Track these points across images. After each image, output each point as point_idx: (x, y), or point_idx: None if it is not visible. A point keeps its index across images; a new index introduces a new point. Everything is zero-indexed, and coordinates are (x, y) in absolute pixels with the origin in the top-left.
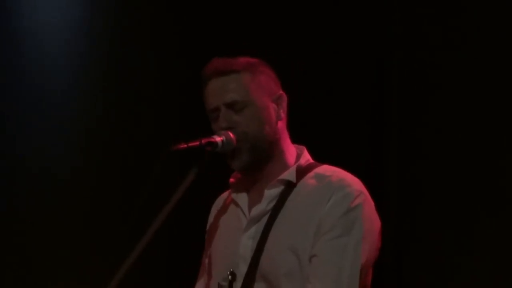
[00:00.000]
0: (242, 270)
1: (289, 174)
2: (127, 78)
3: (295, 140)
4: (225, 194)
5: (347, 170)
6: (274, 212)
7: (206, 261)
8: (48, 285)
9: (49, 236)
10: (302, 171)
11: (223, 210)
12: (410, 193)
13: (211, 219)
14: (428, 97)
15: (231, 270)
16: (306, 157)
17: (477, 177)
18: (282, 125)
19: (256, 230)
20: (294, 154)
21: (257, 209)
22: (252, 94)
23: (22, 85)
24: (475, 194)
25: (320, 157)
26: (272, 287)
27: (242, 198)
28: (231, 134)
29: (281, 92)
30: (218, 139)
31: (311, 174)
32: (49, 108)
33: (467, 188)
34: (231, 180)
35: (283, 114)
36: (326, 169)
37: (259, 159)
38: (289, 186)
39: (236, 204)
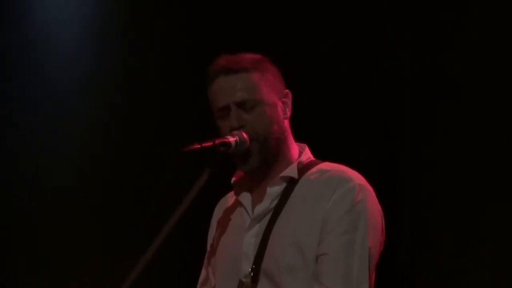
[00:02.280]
0: (245, 268)
1: (291, 171)
2: (138, 77)
3: (304, 140)
4: (227, 196)
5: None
6: (277, 210)
7: (210, 268)
8: (60, 285)
9: (62, 236)
10: (303, 168)
11: (227, 211)
12: (422, 197)
13: (214, 221)
14: (441, 100)
15: (253, 266)
16: (307, 155)
17: (489, 181)
18: (287, 123)
19: (259, 228)
20: (297, 152)
21: (260, 208)
22: (261, 92)
23: (33, 85)
24: (487, 198)
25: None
26: (275, 284)
27: (245, 198)
28: (244, 134)
29: (287, 90)
30: (231, 139)
31: (313, 170)
32: (60, 107)
33: (480, 192)
34: (234, 179)
35: (288, 113)
36: (327, 165)
37: (268, 160)
38: (291, 183)
39: (240, 204)
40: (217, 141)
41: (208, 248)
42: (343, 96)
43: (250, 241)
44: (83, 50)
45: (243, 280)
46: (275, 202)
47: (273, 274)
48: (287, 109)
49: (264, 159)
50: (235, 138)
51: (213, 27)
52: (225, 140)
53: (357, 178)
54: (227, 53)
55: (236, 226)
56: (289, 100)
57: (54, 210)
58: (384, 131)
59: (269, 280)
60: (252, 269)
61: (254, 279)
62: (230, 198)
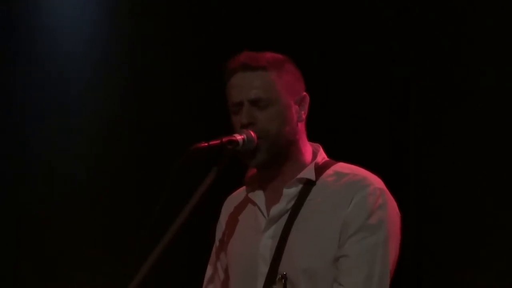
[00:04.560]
0: (262, 270)
1: (308, 173)
2: (146, 75)
3: (313, 139)
4: (235, 194)
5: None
6: (294, 211)
7: (218, 264)
8: (68, 283)
9: (69, 235)
10: (320, 169)
11: (238, 209)
12: (429, 196)
13: (223, 218)
14: (447, 99)
15: (284, 273)
16: (322, 155)
17: (498, 181)
18: (302, 126)
19: (275, 229)
20: (311, 153)
21: (276, 209)
22: (277, 92)
23: (41, 84)
24: (496, 199)
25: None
26: (293, 286)
27: (259, 197)
28: (252, 133)
29: (304, 93)
30: (239, 137)
31: (330, 172)
32: (68, 106)
33: (489, 192)
34: (247, 177)
35: (304, 116)
36: (344, 167)
37: (276, 158)
38: (308, 185)
39: (253, 203)
40: (224, 139)
41: (217, 243)
42: (349, 95)
43: (266, 243)
44: (92, 48)
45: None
46: (292, 203)
47: (290, 277)
48: (302, 112)
49: (271, 156)
50: (242, 136)
51: (226, 24)
52: (233, 138)
53: (376, 182)
54: (248, 50)
55: (250, 226)
56: (305, 103)
57: (60, 207)
58: (391, 132)
59: (287, 283)
60: (269, 271)
61: (267, 282)
62: (239, 195)
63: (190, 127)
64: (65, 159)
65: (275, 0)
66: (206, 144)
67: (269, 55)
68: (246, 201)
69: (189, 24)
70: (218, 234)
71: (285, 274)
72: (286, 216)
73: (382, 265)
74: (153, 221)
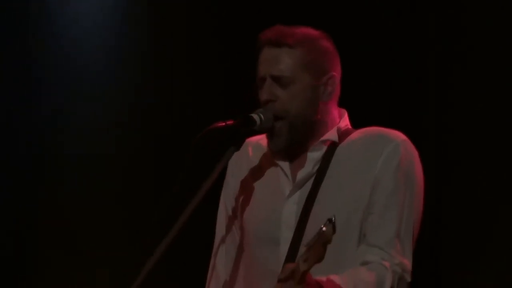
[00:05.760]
0: (287, 236)
1: (331, 135)
2: (165, 60)
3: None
4: (247, 150)
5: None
6: (320, 175)
7: (233, 227)
8: (86, 266)
9: (87, 221)
10: (343, 133)
11: (256, 170)
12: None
13: (235, 177)
14: (467, 58)
15: (333, 217)
16: (345, 121)
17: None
18: (327, 105)
19: (300, 194)
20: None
21: (302, 173)
22: (300, 71)
23: (58, 71)
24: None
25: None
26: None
27: (283, 158)
28: (268, 113)
29: (333, 73)
30: (255, 117)
31: (354, 134)
32: (85, 93)
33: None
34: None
35: (330, 96)
36: (367, 129)
37: (297, 141)
38: (332, 147)
39: (275, 164)
40: (241, 119)
41: (233, 203)
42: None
43: (291, 209)
44: (108, 33)
45: (323, 228)
46: (317, 166)
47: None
48: (329, 92)
49: (292, 140)
50: (259, 116)
51: (242, 9)
52: (249, 118)
53: (401, 136)
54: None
55: (272, 190)
56: (333, 83)
57: (78, 194)
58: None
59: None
60: (294, 237)
61: (292, 248)
62: (253, 153)
63: (208, 108)
64: (82, 144)
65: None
66: (223, 123)
67: (299, 31)
68: (266, 161)
69: (208, 6)
70: (228, 193)
71: (334, 217)
72: (311, 181)
73: (407, 223)
74: (172, 199)
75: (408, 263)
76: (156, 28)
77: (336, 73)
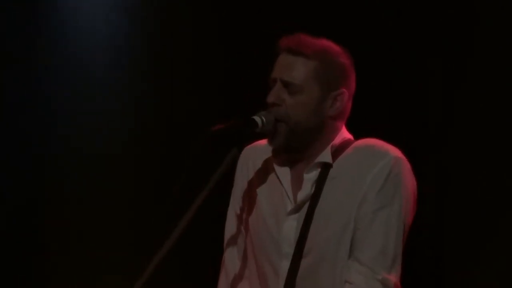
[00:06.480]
0: (287, 251)
1: (325, 156)
2: (168, 59)
3: None
4: (255, 149)
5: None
6: (316, 194)
7: (241, 226)
8: (91, 267)
9: (95, 216)
10: (337, 151)
11: (262, 173)
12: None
13: (243, 177)
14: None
15: (295, 250)
16: (342, 136)
17: None
18: (334, 119)
19: (300, 212)
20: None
21: (302, 195)
22: (311, 82)
23: (66, 66)
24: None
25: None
26: (315, 266)
27: (285, 176)
28: (270, 116)
29: (343, 89)
30: (258, 119)
31: (348, 151)
32: (92, 85)
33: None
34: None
35: (337, 110)
36: (362, 142)
37: (296, 144)
38: (326, 168)
39: (278, 179)
40: (244, 121)
41: (241, 203)
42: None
43: (291, 224)
44: (114, 31)
45: None
46: (314, 187)
47: (314, 259)
48: (336, 107)
49: (290, 142)
50: (261, 118)
51: (246, 8)
52: (252, 119)
53: (392, 151)
54: (305, 33)
55: (276, 204)
56: (342, 99)
57: (87, 190)
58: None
59: (311, 262)
60: (295, 251)
61: (294, 261)
62: (262, 155)
63: (213, 106)
64: (89, 140)
65: None
66: (225, 125)
67: (319, 43)
68: (272, 171)
69: (212, 5)
70: (237, 192)
71: (296, 251)
72: (309, 200)
73: (397, 235)
74: (172, 201)
75: (392, 278)
76: (161, 28)
77: (348, 90)
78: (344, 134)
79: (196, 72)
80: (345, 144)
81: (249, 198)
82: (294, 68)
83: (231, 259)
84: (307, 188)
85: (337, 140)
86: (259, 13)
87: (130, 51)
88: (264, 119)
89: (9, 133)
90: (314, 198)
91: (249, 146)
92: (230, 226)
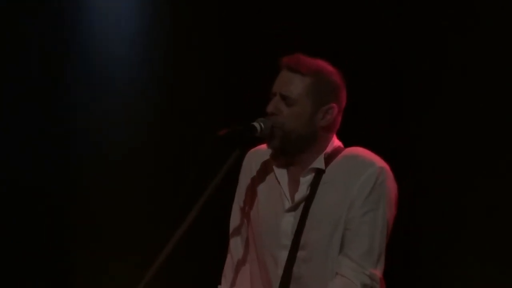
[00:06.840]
0: (285, 243)
1: (318, 162)
2: (187, 57)
3: None
4: (257, 151)
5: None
6: (311, 195)
7: (245, 221)
8: (112, 249)
9: (114, 207)
10: (329, 158)
11: (263, 173)
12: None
13: (247, 176)
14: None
15: (292, 243)
16: (333, 145)
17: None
18: (325, 130)
19: (296, 210)
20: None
21: (299, 195)
22: (305, 96)
23: (85, 68)
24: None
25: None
26: (309, 260)
27: (282, 177)
28: (268, 122)
29: (333, 104)
30: (257, 125)
31: (339, 158)
32: (110, 84)
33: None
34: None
35: (327, 122)
36: (351, 151)
37: (290, 148)
38: (320, 173)
39: (277, 180)
40: (245, 126)
41: (244, 197)
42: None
43: (289, 219)
44: (133, 36)
45: None
46: (309, 189)
47: (309, 252)
48: (327, 119)
49: (284, 145)
50: (260, 124)
51: (254, 18)
52: (252, 125)
53: (378, 161)
54: (303, 53)
55: (275, 200)
56: (332, 113)
57: (106, 185)
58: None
59: (306, 255)
60: (292, 245)
61: (290, 254)
62: (263, 157)
63: (227, 110)
64: (107, 139)
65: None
66: (228, 130)
67: (315, 63)
68: (271, 171)
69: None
70: (241, 188)
71: (293, 244)
72: (304, 200)
73: (381, 235)
74: (182, 199)
75: (378, 273)
76: (178, 23)
77: (338, 105)
78: (335, 142)
79: (223, 68)
80: (336, 152)
81: (251, 195)
82: (291, 84)
83: (235, 246)
84: (303, 190)
85: (329, 148)
86: (258, 12)
87: (150, 47)
88: (262, 125)
89: (30, 131)
90: (309, 200)
91: (252, 150)
92: (235, 218)
